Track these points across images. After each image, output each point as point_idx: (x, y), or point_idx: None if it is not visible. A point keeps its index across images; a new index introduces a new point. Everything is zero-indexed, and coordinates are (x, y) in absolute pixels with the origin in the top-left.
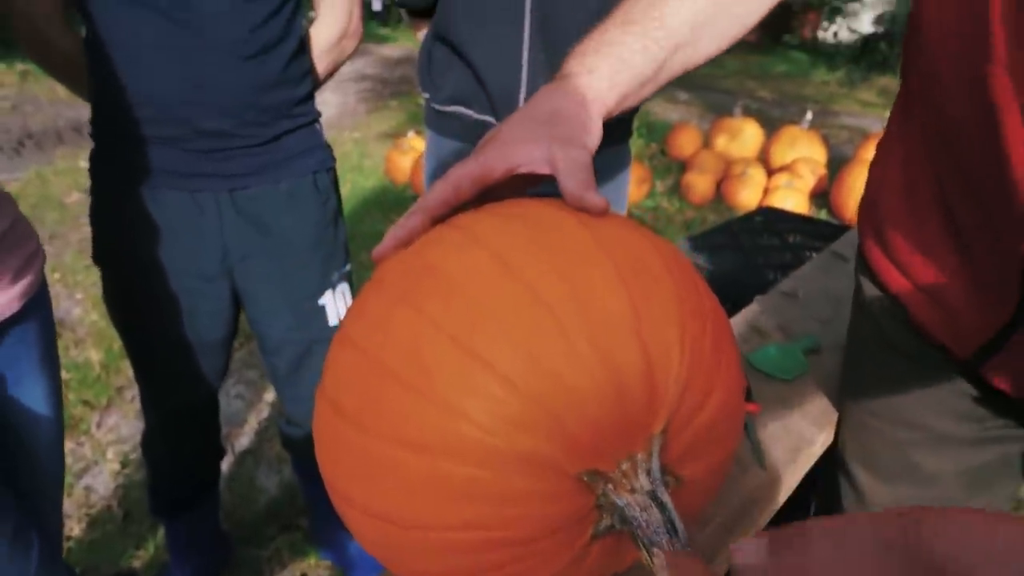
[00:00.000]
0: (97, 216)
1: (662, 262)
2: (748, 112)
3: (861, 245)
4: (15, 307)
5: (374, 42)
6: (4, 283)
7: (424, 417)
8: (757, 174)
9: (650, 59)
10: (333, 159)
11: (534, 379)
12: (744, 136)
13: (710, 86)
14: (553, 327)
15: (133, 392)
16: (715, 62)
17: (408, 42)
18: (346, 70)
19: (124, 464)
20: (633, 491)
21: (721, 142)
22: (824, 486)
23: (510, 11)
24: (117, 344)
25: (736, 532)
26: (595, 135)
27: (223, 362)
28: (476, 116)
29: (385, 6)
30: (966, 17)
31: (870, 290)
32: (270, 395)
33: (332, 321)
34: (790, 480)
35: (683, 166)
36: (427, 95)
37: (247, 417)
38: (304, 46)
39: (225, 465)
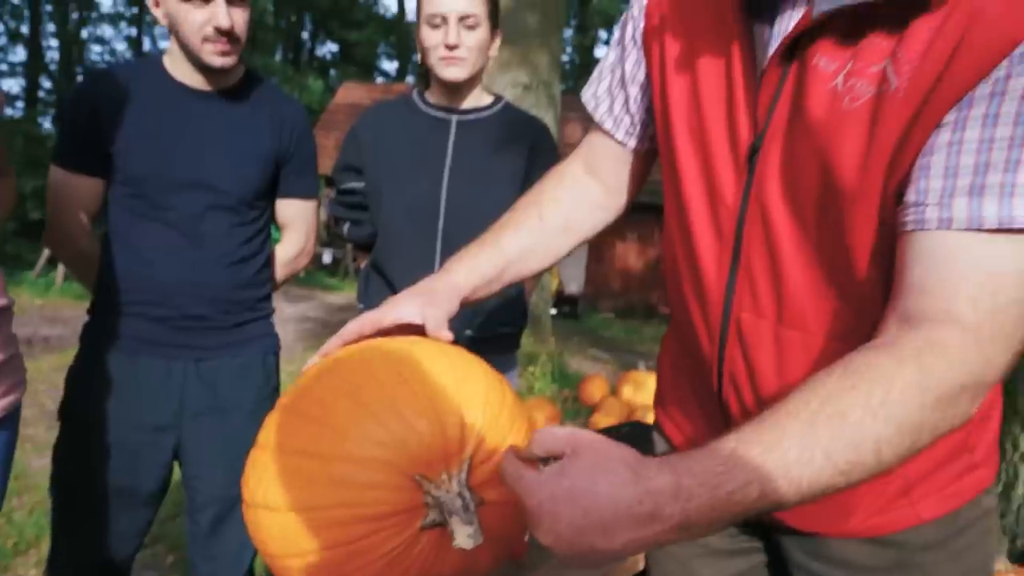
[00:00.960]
0: (75, 377)
1: (483, 371)
2: (652, 368)
3: (655, 416)
4: None
5: (320, 289)
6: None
7: (320, 437)
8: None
9: (492, 267)
10: (279, 346)
11: (395, 422)
12: (647, 387)
13: (625, 348)
14: (413, 397)
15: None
16: (632, 329)
17: (352, 291)
18: (290, 311)
19: None
20: (448, 491)
21: (627, 391)
22: None
23: (424, 255)
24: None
25: None
26: (451, 306)
27: (148, 519)
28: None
29: (334, 260)
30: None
31: (658, 443)
32: None
33: None
34: None
35: (591, 410)
36: (362, 306)
37: None
38: (269, 260)
39: None
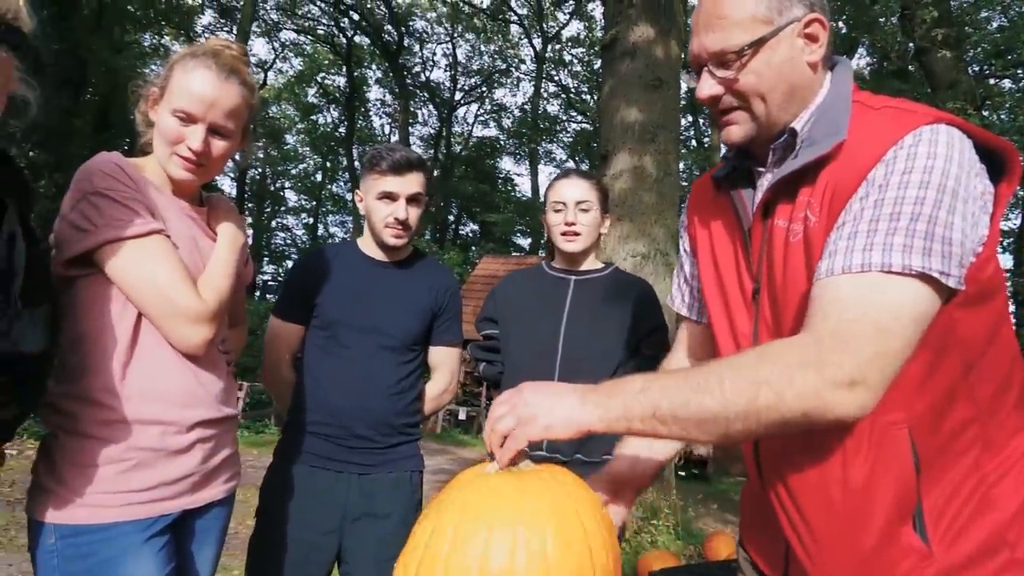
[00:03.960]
0: (268, 483)
1: (607, 526)
2: None
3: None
4: (221, 495)
5: (454, 444)
6: (222, 480)
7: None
8: None
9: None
10: (423, 467)
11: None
12: None
13: None
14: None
15: None
16: None
17: (484, 448)
18: (426, 463)
19: None
20: None
21: None
22: None
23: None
24: None
25: None
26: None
27: None
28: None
29: (469, 417)
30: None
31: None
32: None
33: None
34: None
35: None
36: None
37: None
38: (421, 394)
39: None
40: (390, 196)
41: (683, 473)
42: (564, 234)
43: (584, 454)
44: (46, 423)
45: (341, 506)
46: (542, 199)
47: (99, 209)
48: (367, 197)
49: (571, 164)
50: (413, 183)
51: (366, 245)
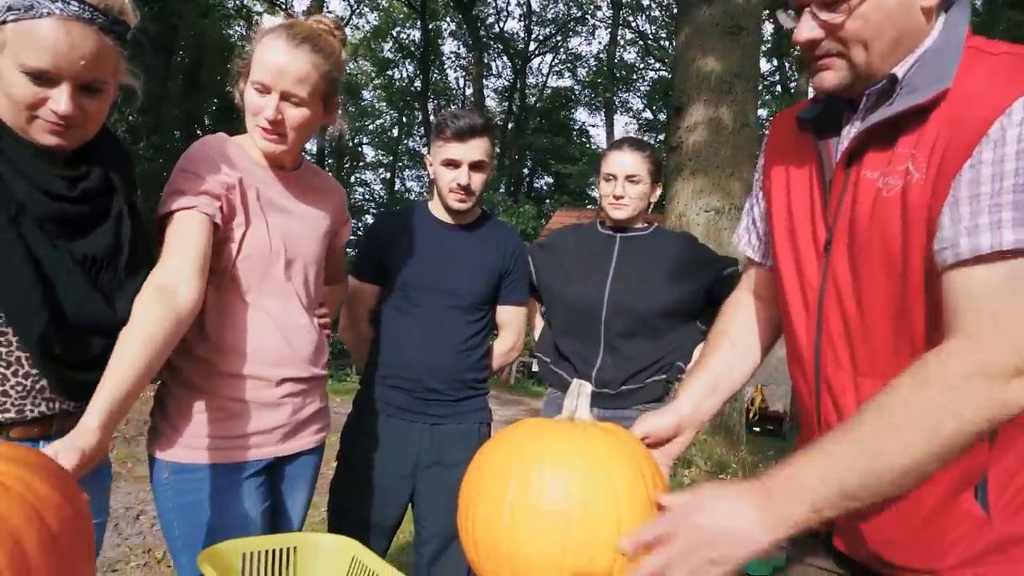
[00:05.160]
0: (348, 431)
1: (661, 479)
2: None
3: None
4: (310, 445)
5: (528, 396)
6: (311, 431)
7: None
8: None
9: (705, 383)
10: (491, 419)
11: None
12: None
13: None
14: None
15: None
16: None
17: None
18: (501, 414)
19: None
20: None
21: None
22: None
23: (591, 336)
24: None
25: None
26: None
27: (383, 549)
28: (566, 377)
29: None
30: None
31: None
32: None
33: None
34: None
35: None
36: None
37: None
38: (489, 350)
39: None
40: (453, 163)
41: (757, 429)
42: (612, 204)
43: (632, 383)
44: (158, 374)
45: (414, 454)
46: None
47: (171, 183)
48: (434, 162)
49: (648, 115)
50: (476, 150)
51: (436, 208)
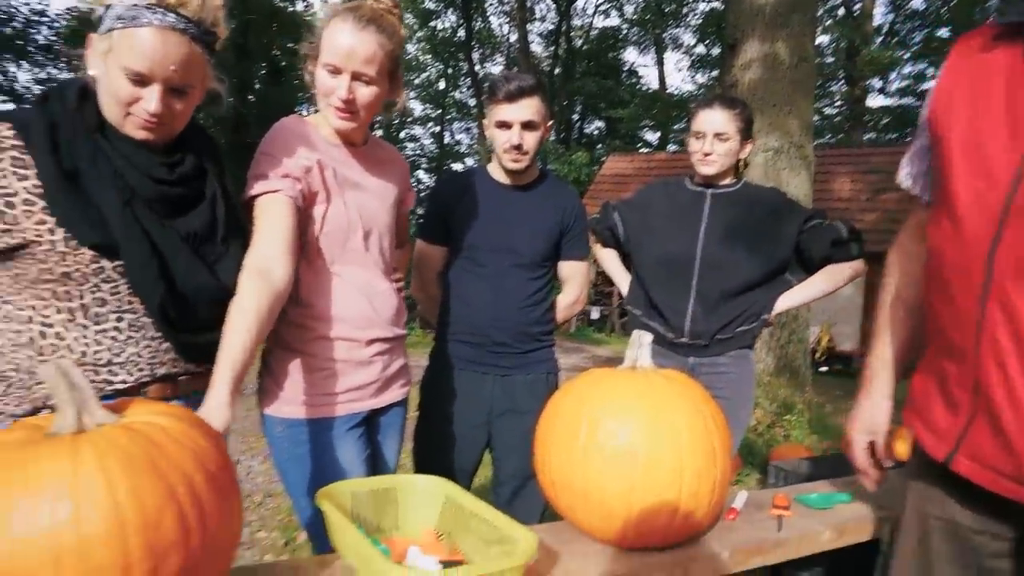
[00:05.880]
0: (426, 384)
1: (723, 425)
2: None
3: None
4: (398, 397)
5: (589, 343)
6: (398, 385)
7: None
8: None
9: (893, 356)
10: (558, 368)
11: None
12: None
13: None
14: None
15: None
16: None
17: (618, 345)
18: (564, 361)
19: None
20: None
21: (898, 447)
22: None
23: (682, 290)
24: None
25: None
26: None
27: (465, 488)
28: (659, 329)
29: (602, 316)
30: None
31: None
32: None
33: None
34: None
35: None
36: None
37: None
38: (553, 305)
39: None
40: (506, 124)
41: (825, 368)
42: (701, 160)
43: (723, 334)
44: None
45: (487, 403)
46: (668, 92)
47: (254, 166)
48: (489, 125)
49: (701, 50)
50: (527, 110)
51: (495, 170)
